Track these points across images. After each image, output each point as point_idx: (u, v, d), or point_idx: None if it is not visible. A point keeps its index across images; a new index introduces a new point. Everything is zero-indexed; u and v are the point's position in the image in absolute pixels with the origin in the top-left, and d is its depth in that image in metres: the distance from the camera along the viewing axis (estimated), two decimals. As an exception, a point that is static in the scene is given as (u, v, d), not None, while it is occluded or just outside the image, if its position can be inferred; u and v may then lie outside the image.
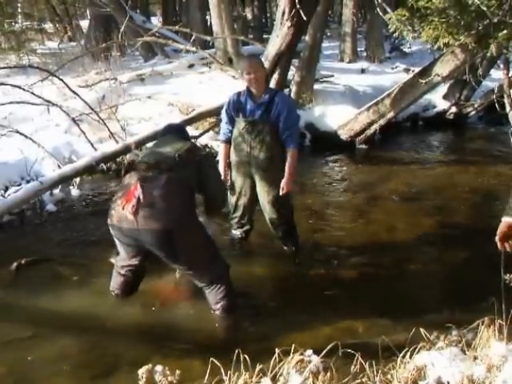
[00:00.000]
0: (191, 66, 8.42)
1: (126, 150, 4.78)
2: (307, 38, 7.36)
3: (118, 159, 5.21)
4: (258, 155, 3.46)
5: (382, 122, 6.36)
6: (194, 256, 2.77)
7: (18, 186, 4.72)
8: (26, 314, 3.03)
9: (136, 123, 6.28)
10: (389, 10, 5.19)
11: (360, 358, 2.17)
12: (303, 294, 3.24)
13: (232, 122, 3.54)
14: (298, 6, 5.08)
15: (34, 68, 6.14)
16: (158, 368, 2.12)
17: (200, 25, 9.80)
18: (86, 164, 4.68)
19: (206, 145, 5.98)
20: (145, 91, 7.17)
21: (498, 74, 6.74)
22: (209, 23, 9.51)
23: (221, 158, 3.69)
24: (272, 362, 2.14)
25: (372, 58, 10.31)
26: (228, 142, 3.61)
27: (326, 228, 4.21)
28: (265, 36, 11.56)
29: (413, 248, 3.84)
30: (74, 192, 5.01)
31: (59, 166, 4.88)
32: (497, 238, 2.21)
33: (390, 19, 4.82)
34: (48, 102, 5.33)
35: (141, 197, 2.64)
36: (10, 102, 5.20)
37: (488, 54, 4.76)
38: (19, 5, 12.92)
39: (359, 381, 2.12)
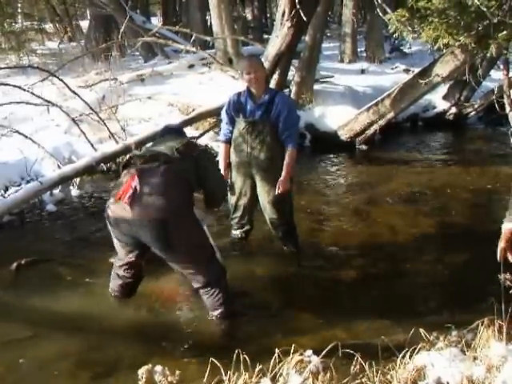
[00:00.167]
0: (191, 66, 8.42)
1: (126, 150, 4.78)
2: (307, 38, 7.36)
3: (117, 159, 5.21)
4: (258, 155, 3.46)
5: (381, 122, 6.37)
6: (189, 252, 2.73)
7: (18, 186, 4.72)
8: (25, 314, 3.03)
9: (136, 123, 6.29)
10: (389, 10, 5.19)
11: (360, 359, 2.17)
12: (303, 294, 3.25)
13: (232, 122, 3.54)
14: (298, 7, 5.08)
15: (34, 68, 6.15)
16: (158, 368, 2.13)
17: (200, 25, 9.80)
18: (86, 164, 4.69)
19: (206, 145, 5.97)
20: (145, 91, 7.17)
21: (497, 75, 6.75)
22: (209, 23, 9.50)
23: (221, 158, 3.69)
24: (272, 363, 2.14)
25: (372, 58, 10.31)
26: (228, 142, 3.61)
27: (326, 228, 4.21)
28: (265, 36, 11.56)
29: (413, 248, 3.84)
30: (74, 192, 5.01)
31: (59, 167, 4.88)
32: (500, 247, 2.18)
33: (389, 20, 4.82)
34: (48, 102, 5.33)
35: (137, 187, 2.64)
36: (10, 102, 5.20)
37: (488, 55, 4.76)
38: (19, 5, 12.91)
39: (359, 381, 2.13)
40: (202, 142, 5.90)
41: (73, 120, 5.37)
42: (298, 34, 5.60)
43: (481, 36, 4.44)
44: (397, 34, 4.91)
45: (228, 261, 3.34)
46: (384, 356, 2.23)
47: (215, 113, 5.69)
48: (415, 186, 5.22)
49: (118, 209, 2.68)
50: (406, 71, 9.07)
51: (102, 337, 2.78)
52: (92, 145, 5.17)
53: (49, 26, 14.69)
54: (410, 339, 2.36)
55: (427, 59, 6.82)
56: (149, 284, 3.16)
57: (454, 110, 7.75)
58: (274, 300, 3.20)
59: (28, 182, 4.74)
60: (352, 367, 2.19)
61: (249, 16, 13.28)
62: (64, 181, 4.63)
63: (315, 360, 2.13)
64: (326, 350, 2.17)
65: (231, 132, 3.57)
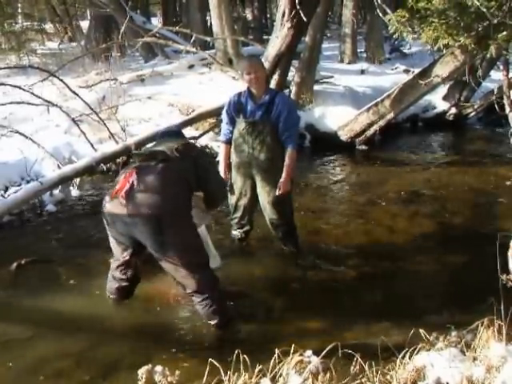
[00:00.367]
0: (191, 66, 8.42)
1: (126, 150, 4.79)
2: (307, 38, 7.36)
3: (117, 160, 5.21)
4: (258, 156, 3.46)
5: (381, 122, 6.37)
6: (182, 254, 2.69)
7: (18, 186, 4.72)
8: (25, 314, 3.03)
9: (136, 124, 6.29)
10: (389, 11, 5.19)
11: (359, 359, 2.18)
12: (303, 294, 3.25)
13: (232, 122, 3.54)
14: (298, 7, 5.08)
15: (35, 68, 6.14)
16: (158, 368, 2.13)
17: (200, 25, 9.80)
18: (86, 164, 4.69)
19: (206, 145, 5.98)
20: (145, 92, 7.18)
21: (497, 75, 6.74)
22: (209, 24, 9.50)
23: (221, 158, 3.70)
24: (272, 363, 2.14)
25: (372, 58, 10.32)
26: (228, 142, 3.62)
27: (326, 228, 4.21)
28: (265, 37, 11.56)
29: (412, 249, 3.84)
30: (74, 192, 5.00)
31: (59, 167, 4.88)
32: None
33: (389, 20, 4.81)
34: (48, 102, 5.33)
35: (134, 183, 2.64)
36: (10, 103, 5.20)
37: (488, 55, 4.76)
38: (19, 5, 12.91)
39: (359, 381, 2.13)
40: (202, 142, 5.92)
41: (73, 120, 5.37)
42: (298, 35, 5.60)
43: (481, 37, 4.44)
44: (397, 35, 4.90)
45: (228, 261, 3.34)
46: (384, 356, 2.24)
47: (215, 113, 5.70)
48: (415, 187, 5.22)
49: (113, 205, 2.69)
50: (406, 72, 9.07)
51: (101, 337, 2.79)
52: (92, 145, 5.17)
53: (49, 27, 14.68)
54: (409, 339, 2.36)
55: (427, 60, 6.82)
56: (149, 284, 3.17)
57: (453, 110, 7.76)
58: (273, 300, 3.20)
59: (28, 182, 4.75)
60: (352, 367, 2.19)
61: (249, 16, 13.28)
62: (64, 181, 4.63)
63: (315, 360, 2.13)
64: (326, 350, 2.17)
65: (231, 132, 3.57)
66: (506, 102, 4.71)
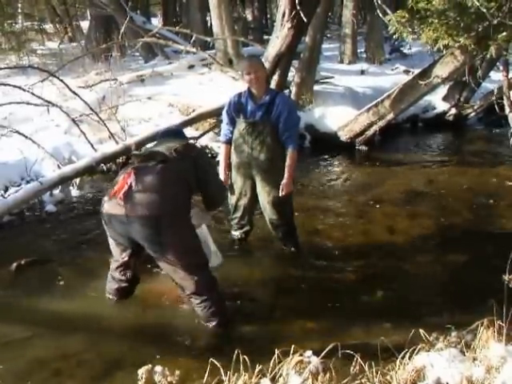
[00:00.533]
0: (191, 66, 8.42)
1: (126, 150, 4.78)
2: (307, 39, 7.36)
3: (117, 160, 5.21)
4: (258, 156, 3.47)
5: (381, 123, 6.37)
6: (181, 255, 2.68)
7: (18, 186, 4.72)
8: (25, 314, 3.03)
9: (136, 124, 6.29)
10: (389, 11, 5.19)
11: (359, 359, 2.18)
12: (303, 294, 3.25)
13: (233, 122, 3.54)
14: (298, 8, 5.09)
15: (35, 68, 6.15)
16: (158, 368, 2.14)
17: (200, 26, 9.80)
18: (86, 165, 4.68)
19: (206, 146, 5.98)
20: (145, 92, 7.18)
21: (497, 76, 6.75)
22: (209, 24, 9.50)
23: (221, 158, 3.70)
24: (271, 363, 2.14)
25: (372, 59, 10.32)
26: (229, 142, 3.62)
27: (326, 229, 4.21)
28: (265, 37, 11.56)
29: (412, 249, 3.84)
30: (74, 192, 5.01)
31: (59, 167, 4.88)
32: None
33: (389, 21, 4.82)
34: (48, 102, 5.33)
35: (133, 183, 2.64)
36: (10, 103, 5.19)
37: (487, 56, 4.77)
38: (19, 5, 12.90)
39: (358, 382, 2.13)
40: (202, 142, 5.92)
41: (73, 120, 5.37)
42: (298, 35, 5.60)
43: (480, 37, 4.45)
44: (397, 35, 4.90)
45: (228, 261, 3.34)
46: (383, 357, 2.24)
47: (215, 113, 5.70)
48: (415, 187, 5.22)
49: (111, 206, 2.69)
50: (406, 72, 9.07)
51: (101, 337, 2.79)
52: (92, 145, 5.17)
53: (49, 27, 14.69)
54: (409, 340, 2.36)
55: (427, 60, 6.82)
56: (149, 284, 3.17)
57: (453, 111, 7.75)
58: (273, 300, 3.20)
59: (28, 182, 4.75)
60: (352, 368, 2.19)
61: (249, 17, 13.26)
62: (64, 181, 4.63)
63: (315, 360, 2.14)
64: (326, 350, 2.17)
65: (232, 132, 3.57)
66: (505, 102, 4.71)
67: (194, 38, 7.52)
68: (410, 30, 4.67)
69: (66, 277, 3.42)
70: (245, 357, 2.14)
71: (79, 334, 2.80)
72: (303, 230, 3.94)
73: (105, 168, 5.36)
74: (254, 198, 3.63)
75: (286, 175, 3.42)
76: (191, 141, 4.36)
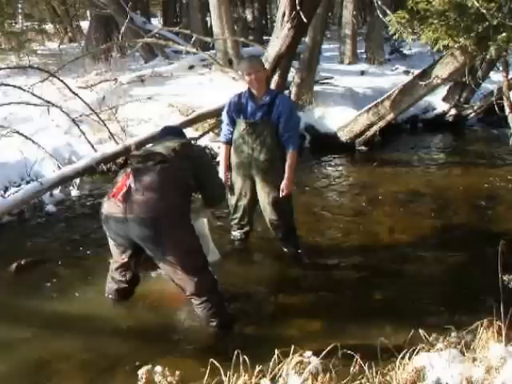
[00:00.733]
0: (191, 67, 8.43)
1: (126, 151, 4.78)
2: (307, 39, 7.37)
3: (117, 160, 5.22)
4: (258, 157, 3.47)
5: (381, 123, 6.36)
6: (180, 256, 2.67)
7: (18, 186, 4.73)
8: (25, 314, 3.04)
9: (136, 124, 6.29)
10: (389, 12, 5.19)
11: (359, 360, 2.18)
12: (303, 295, 3.25)
13: (233, 123, 3.54)
14: (298, 8, 5.09)
15: (35, 69, 6.15)
16: (158, 368, 2.13)
17: (200, 26, 9.80)
18: (86, 165, 4.68)
19: (206, 146, 5.98)
20: (145, 92, 7.18)
21: (497, 77, 6.76)
22: (209, 25, 9.51)
23: (221, 159, 3.70)
24: (271, 363, 2.14)
25: (372, 59, 10.32)
26: (229, 143, 3.62)
27: (326, 229, 4.22)
28: (265, 38, 11.56)
29: (412, 250, 3.84)
30: (74, 193, 5.01)
31: (59, 167, 4.88)
32: None
33: (389, 21, 4.82)
34: (48, 102, 5.33)
35: (132, 185, 2.64)
36: (10, 103, 5.20)
37: (487, 57, 4.78)
38: (20, 5, 12.91)
39: (358, 382, 2.13)
40: (201, 142, 5.92)
41: (73, 121, 5.37)
42: (298, 36, 5.60)
43: (480, 38, 4.45)
44: (397, 36, 4.90)
45: (228, 262, 3.34)
46: (383, 357, 2.24)
47: (215, 114, 5.70)
48: (415, 187, 5.22)
49: (110, 207, 2.69)
50: (406, 73, 9.08)
51: (101, 337, 2.79)
52: (92, 145, 5.17)
53: (49, 27, 14.70)
54: (409, 340, 2.36)
55: (427, 61, 6.83)
56: (148, 284, 3.17)
57: (453, 111, 7.76)
58: (273, 301, 3.20)
59: (28, 182, 4.75)
60: (351, 368, 2.19)
61: (249, 17, 13.26)
62: (64, 181, 4.63)
63: (315, 361, 2.14)
64: (326, 350, 2.18)
65: (232, 133, 3.57)
66: (505, 103, 4.71)
67: (194, 39, 7.52)
68: (409, 30, 4.67)
69: (66, 277, 3.42)
70: (245, 357, 2.14)
71: (79, 334, 2.80)
72: (303, 230, 3.94)
73: (105, 168, 5.36)
74: (253, 198, 3.63)
75: (285, 176, 3.42)
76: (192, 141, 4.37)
